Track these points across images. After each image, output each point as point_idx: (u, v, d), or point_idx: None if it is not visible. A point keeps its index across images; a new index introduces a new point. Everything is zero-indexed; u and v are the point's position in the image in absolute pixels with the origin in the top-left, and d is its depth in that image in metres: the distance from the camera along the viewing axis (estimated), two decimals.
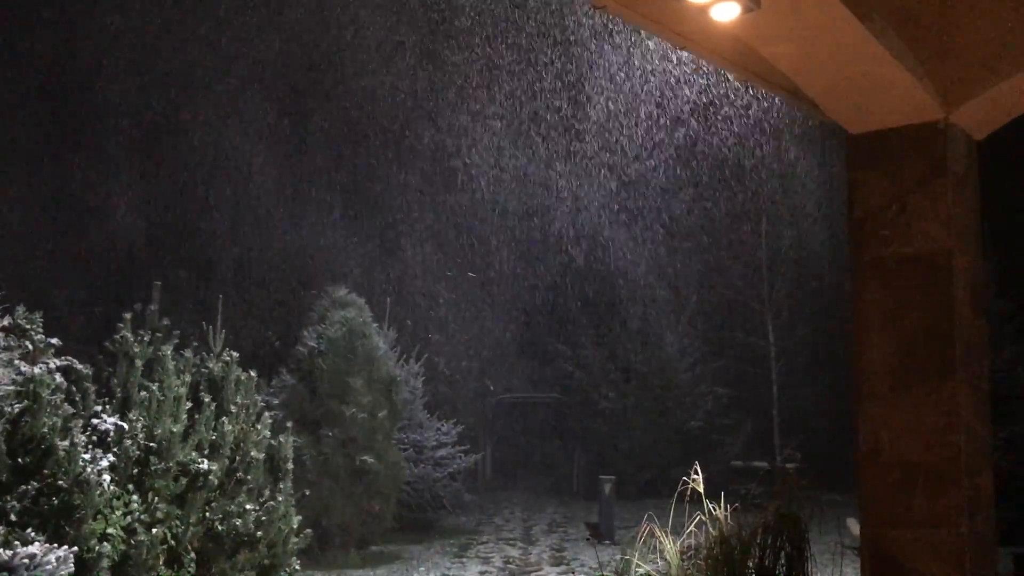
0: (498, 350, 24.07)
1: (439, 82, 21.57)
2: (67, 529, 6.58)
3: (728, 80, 17.62)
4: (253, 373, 9.27)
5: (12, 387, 6.63)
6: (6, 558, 5.68)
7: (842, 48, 4.04)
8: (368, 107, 22.01)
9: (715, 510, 5.06)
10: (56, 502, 6.59)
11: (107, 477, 7.10)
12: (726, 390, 22.16)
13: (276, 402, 13.37)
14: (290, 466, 9.15)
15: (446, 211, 23.09)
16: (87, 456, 6.98)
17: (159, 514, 7.46)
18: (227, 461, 8.31)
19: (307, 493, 10.79)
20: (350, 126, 22.30)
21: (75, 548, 6.30)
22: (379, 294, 18.16)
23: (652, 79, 19.83)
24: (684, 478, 5.33)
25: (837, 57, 4.14)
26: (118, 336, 8.34)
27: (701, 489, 5.19)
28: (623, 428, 21.68)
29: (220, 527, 7.99)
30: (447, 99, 21.90)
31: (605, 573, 7.54)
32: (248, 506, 8.26)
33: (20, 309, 7.41)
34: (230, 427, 8.37)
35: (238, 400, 8.83)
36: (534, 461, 25.08)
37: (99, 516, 6.98)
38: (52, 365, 7.29)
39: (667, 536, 5.16)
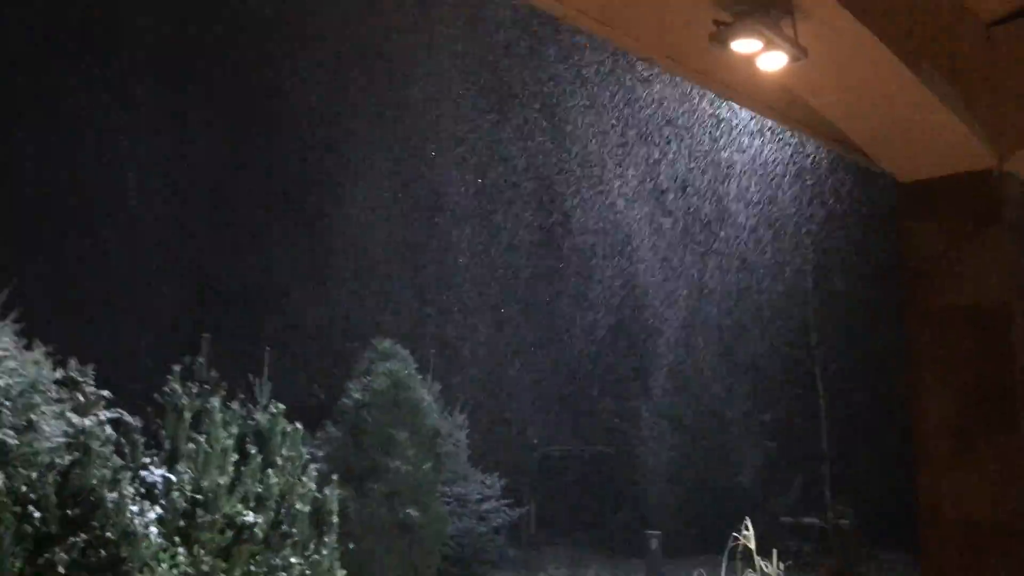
0: (543, 402, 23.89)
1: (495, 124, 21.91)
2: None
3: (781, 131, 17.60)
4: (299, 425, 9.29)
5: (64, 439, 6.72)
6: None
7: (891, 96, 4.00)
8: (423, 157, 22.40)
9: (767, 567, 4.92)
10: (104, 554, 6.61)
11: (154, 529, 7.12)
12: (775, 443, 21.68)
13: (321, 454, 13.37)
14: (335, 519, 9.10)
15: (490, 261, 23.19)
16: (135, 508, 7.02)
17: (204, 567, 7.44)
18: (272, 514, 8.29)
19: (352, 547, 10.70)
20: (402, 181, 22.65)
21: None
22: (424, 345, 18.18)
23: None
24: (734, 534, 5.20)
25: (886, 105, 4.09)
26: (167, 388, 8.43)
27: (752, 545, 5.06)
28: (670, 482, 21.29)
29: None
30: (498, 146, 22.20)
31: None
32: (293, 559, 8.22)
33: (72, 362, 7.53)
34: (276, 479, 8.37)
35: (284, 452, 8.84)
36: (579, 515, 24.68)
37: (146, 568, 6.98)
38: (103, 417, 7.38)
39: None
